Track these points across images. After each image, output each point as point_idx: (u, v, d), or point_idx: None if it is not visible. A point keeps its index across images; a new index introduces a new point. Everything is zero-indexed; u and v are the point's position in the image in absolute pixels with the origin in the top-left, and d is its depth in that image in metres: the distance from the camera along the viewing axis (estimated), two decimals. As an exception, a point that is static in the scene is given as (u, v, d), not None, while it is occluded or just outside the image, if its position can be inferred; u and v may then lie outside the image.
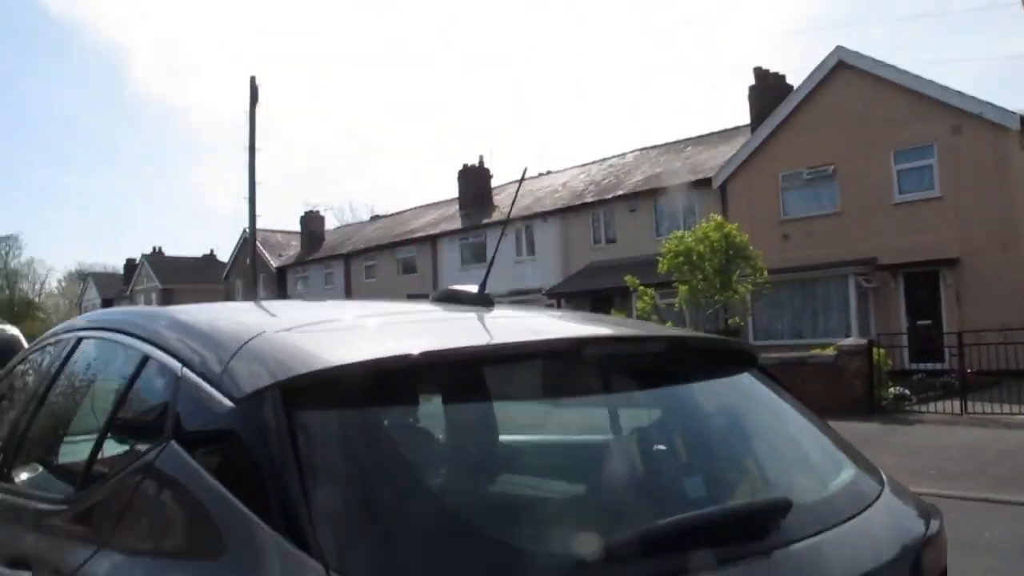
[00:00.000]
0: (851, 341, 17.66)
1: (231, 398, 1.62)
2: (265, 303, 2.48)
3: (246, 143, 28.63)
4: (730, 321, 24.93)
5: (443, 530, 1.43)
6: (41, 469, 2.63)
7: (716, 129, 34.70)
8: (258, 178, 27.97)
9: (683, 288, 22.46)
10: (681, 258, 22.16)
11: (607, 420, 2.18)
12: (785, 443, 2.34)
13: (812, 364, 16.69)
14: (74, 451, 2.38)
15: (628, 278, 23.78)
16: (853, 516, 1.98)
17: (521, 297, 33.55)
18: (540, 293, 33.40)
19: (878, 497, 2.15)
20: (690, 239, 22.29)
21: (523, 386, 1.88)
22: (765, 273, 22.44)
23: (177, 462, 1.67)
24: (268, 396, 1.55)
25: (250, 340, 1.76)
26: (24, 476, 2.66)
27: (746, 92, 29.69)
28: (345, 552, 1.34)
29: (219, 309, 2.20)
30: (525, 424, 2.11)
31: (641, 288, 23.17)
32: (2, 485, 2.69)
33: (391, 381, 1.64)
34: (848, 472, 2.22)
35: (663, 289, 24.27)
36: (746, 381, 2.41)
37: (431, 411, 1.98)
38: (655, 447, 2.26)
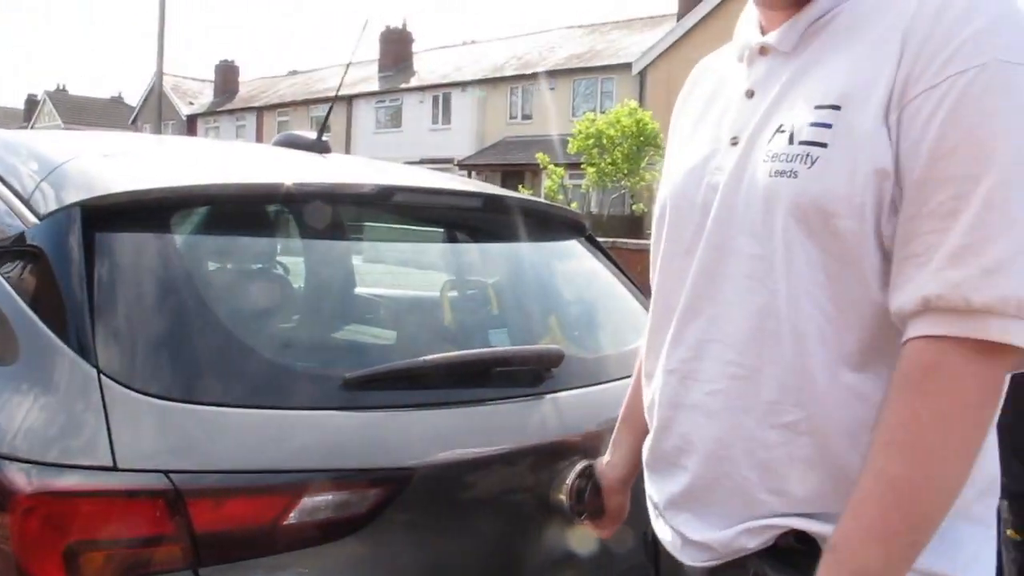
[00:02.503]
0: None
1: (37, 215, 1.69)
2: (98, 132, 2.51)
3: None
4: (634, 207, 25.31)
5: (213, 349, 1.55)
6: None
7: (643, 15, 34.43)
8: (172, 22, 26.84)
9: (591, 170, 22.67)
10: (591, 140, 22.31)
11: (423, 270, 2.30)
12: (594, 308, 2.51)
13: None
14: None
15: (539, 155, 23.86)
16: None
17: (433, 166, 33.35)
18: (453, 163, 33.26)
19: None
20: (602, 122, 22.40)
21: (330, 228, 1.97)
22: (673, 163, 22.71)
23: None
24: (70, 215, 1.61)
25: (64, 163, 1.81)
26: None
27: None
28: (120, 360, 1.44)
29: (46, 134, 2.23)
30: (336, 268, 2.21)
31: (551, 167, 23.31)
32: None
33: (186, 209, 1.73)
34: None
35: (573, 170, 24.45)
36: (571, 248, 2.55)
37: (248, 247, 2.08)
38: (469, 300, 2.41)
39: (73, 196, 1.66)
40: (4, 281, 1.67)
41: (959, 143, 1.02)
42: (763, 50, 1.28)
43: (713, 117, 1.36)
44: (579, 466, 1.77)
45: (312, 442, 1.50)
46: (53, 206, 1.67)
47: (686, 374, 1.29)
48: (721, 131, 1.30)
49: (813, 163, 1.12)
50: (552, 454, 1.79)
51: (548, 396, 1.85)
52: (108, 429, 1.36)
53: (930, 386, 1.03)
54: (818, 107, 1.14)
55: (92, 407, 1.39)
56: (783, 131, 1.17)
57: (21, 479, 1.34)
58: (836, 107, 1.12)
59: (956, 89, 1.02)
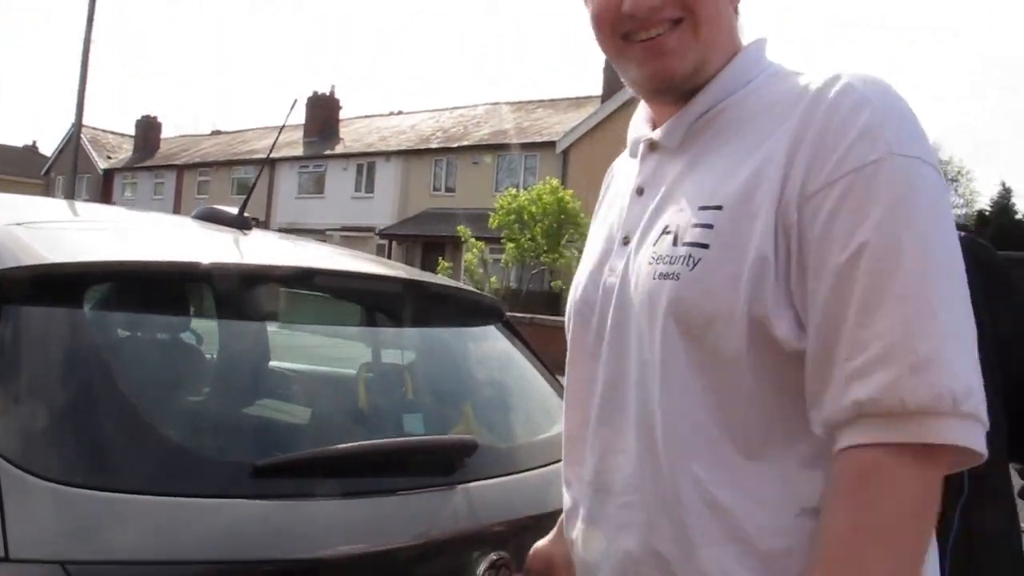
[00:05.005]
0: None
1: None
2: (12, 197, 2.45)
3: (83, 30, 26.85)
4: (553, 284, 25.51)
5: (119, 433, 1.52)
6: None
7: (569, 95, 35.14)
8: (95, 74, 26.41)
9: (511, 245, 22.86)
10: (513, 216, 22.54)
11: (341, 350, 2.28)
12: (509, 394, 2.52)
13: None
14: None
15: (460, 228, 23.98)
16: (549, 464, 2.17)
17: (354, 234, 33.31)
18: (374, 232, 33.21)
19: None
20: (524, 198, 22.68)
21: (246, 309, 1.95)
22: (592, 242, 23.08)
23: None
24: None
25: None
26: None
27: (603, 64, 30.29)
28: (18, 442, 1.39)
29: None
30: (251, 350, 2.18)
31: (472, 240, 23.43)
32: None
33: (98, 285, 1.70)
34: (560, 426, 2.42)
35: (493, 244, 24.61)
36: (489, 333, 2.56)
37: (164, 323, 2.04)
38: (385, 383, 2.40)
39: None
40: None
41: (870, 239, 1.01)
42: (653, 146, 1.28)
43: (611, 216, 1.36)
44: (490, 558, 1.76)
45: (217, 531, 1.46)
46: None
47: (599, 486, 1.27)
48: (614, 230, 1.30)
49: (695, 265, 1.11)
50: (463, 545, 1.78)
51: (460, 486, 1.84)
52: (1, 515, 1.31)
53: (866, 497, 0.99)
54: (702, 208, 1.13)
55: None
56: (668, 232, 1.16)
57: None
58: (719, 207, 1.11)
59: (858, 186, 1.03)
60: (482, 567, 1.74)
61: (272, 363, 2.50)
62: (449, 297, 2.55)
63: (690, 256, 1.12)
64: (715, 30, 1.21)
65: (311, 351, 2.48)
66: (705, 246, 1.11)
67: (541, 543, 1.63)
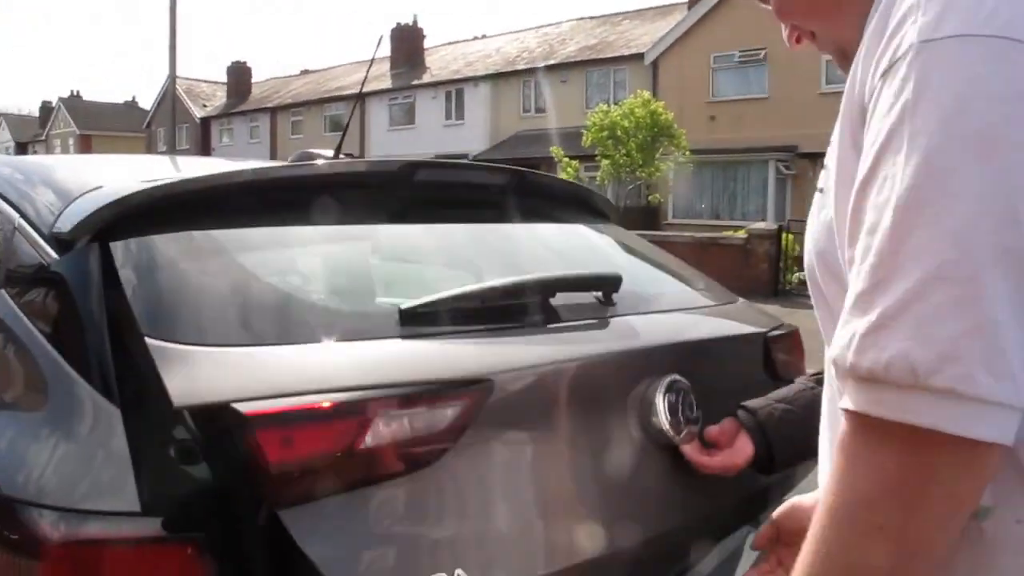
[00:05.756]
0: (762, 225, 18.07)
1: (56, 248, 1.62)
2: (120, 157, 2.49)
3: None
4: (651, 198, 25.28)
5: (271, 304, 1.58)
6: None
7: (654, 4, 34.35)
8: (184, 26, 26.69)
9: (605, 162, 22.65)
10: (605, 132, 22.30)
11: (457, 245, 2.27)
12: (645, 269, 2.50)
13: (722, 244, 17.08)
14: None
15: (554, 149, 23.85)
16: (699, 308, 2.21)
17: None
18: (468, 159, 33.27)
19: (729, 303, 2.35)
20: (616, 114, 22.38)
21: (364, 211, 1.97)
22: (688, 152, 22.72)
23: (5, 311, 1.63)
24: (91, 246, 1.56)
25: (85, 193, 1.74)
26: None
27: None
28: (168, 318, 1.45)
29: (65, 161, 2.20)
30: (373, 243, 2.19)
31: (566, 160, 23.30)
32: None
33: (204, 206, 1.71)
34: (702, 283, 2.43)
35: (588, 163, 24.44)
36: (604, 227, 2.55)
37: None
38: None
39: (92, 227, 1.59)
40: (25, 317, 1.59)
41: (878, 161, 0.79)
42: None
43: None
44: (664, 382, 1.73)
45: (382, 362, 1.48)
46: (73, 238, 1.60)
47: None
48: None
49: (818, 212, 0.98)
50: (632, 370, 1.75)
51: (612, 319, 1.84)
52: (158, 375, 1.33)
53: (839, 474, 0.80)
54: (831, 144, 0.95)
55: (116, 442, 1.32)
56: None
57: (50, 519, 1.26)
58: (831, 144, 0.94)
59: (882, 96, 0.80)
60: (660, 390, 1.72)
61: (393, 265, 2.49)
62: (558, 191, 2.54)
63: (815, 203, 1.00)
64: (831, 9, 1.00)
65: (421, 254, 2.43)
66: (821, 190, 0.98)
67: (799, 498, 1.38)
